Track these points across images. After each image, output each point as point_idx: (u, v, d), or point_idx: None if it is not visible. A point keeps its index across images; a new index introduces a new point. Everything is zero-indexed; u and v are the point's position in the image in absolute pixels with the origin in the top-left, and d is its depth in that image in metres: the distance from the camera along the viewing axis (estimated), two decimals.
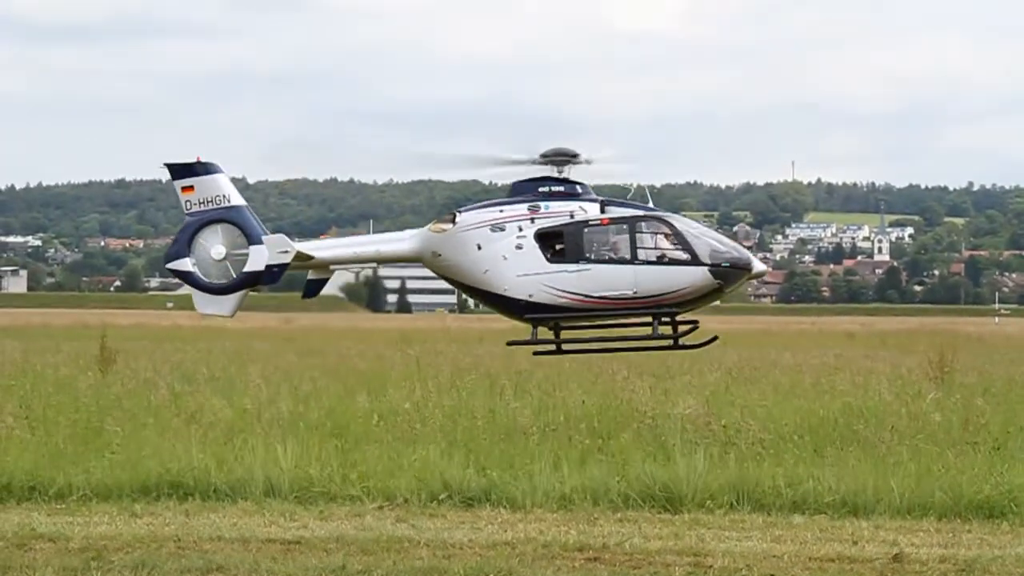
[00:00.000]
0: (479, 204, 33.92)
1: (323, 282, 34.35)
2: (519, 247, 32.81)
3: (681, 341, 32.83)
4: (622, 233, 32.76)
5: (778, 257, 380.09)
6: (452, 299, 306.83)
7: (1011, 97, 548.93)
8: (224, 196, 34.47)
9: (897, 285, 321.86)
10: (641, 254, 32.42)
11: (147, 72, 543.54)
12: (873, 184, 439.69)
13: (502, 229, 33.01)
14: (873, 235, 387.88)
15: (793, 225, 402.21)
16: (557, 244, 33.01)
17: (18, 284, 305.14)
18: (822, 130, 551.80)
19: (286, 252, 33.57)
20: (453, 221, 33.31)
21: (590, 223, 32.75)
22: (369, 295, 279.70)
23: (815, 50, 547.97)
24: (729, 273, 32.42)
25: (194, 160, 34.96)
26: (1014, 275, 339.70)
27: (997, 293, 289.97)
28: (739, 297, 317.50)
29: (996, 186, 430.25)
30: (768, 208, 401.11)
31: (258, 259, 33.71)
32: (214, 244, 33.93)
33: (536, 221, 32.86)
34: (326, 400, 38.20)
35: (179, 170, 34.90)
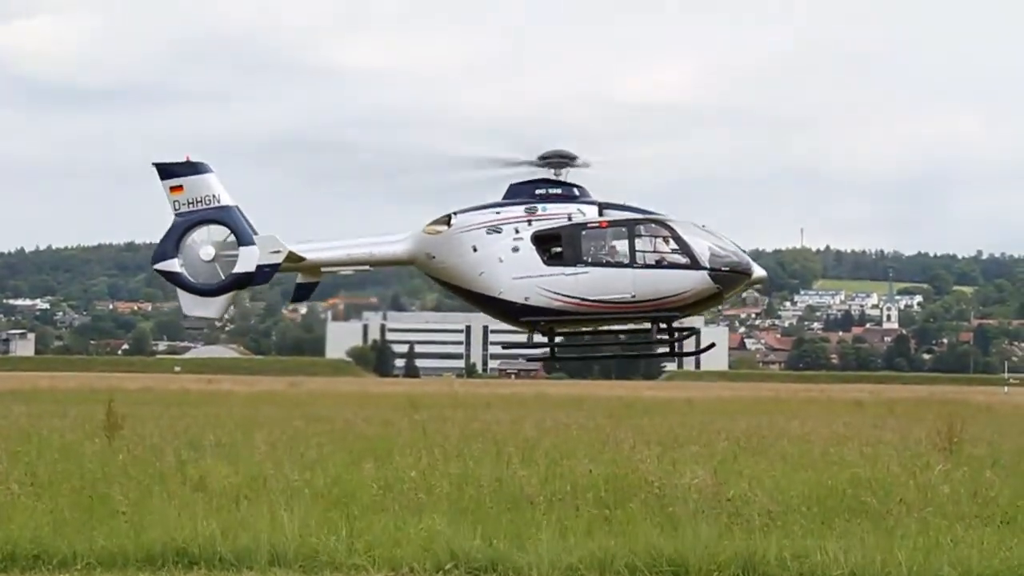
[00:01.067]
0: (475, 206, 33.00)
1: (313, 286, 33.55)
2: (516, 249, 32.23)
3: (677, 347, 32.59)
4: (620, 236, 32.19)
5: (787, 324, 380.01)
6: (460, 364, 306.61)
7: (1019, 166, 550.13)
8: (214, 196, 33.45)
9: (906, 353, 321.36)
10: (640, 257, 31.86)
11: (158, 136, 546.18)
12: (882, 252, 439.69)
13: (498, 231, 32.38)
14: (882, 303, 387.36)
15: (802, 292, 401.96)
16: (554, 247, 32.40)
17: (26, 347, 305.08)
18: (831, 197, 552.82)
19: (278, 252, 32.74)
20: (448, 223, 32.69)
21: (588, 226, 32.18)
22: (377, 359, 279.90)
23: (825, 117, 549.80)
24: (729, 277, 32.01)
25: (183, 159, 33.98)
26: (1023, 344, 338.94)
27: (1006, 362, 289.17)
28: (748, 363, 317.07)
29: (1005, 255, 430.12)
30: (777, 275, 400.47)
31: (249, 260, 32.87)
32: (203, 245, 33.15)
33: (533, 223, 32.34)
34: (332, 467, 38.06)
35: (168, 170, 33.86)
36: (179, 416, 64.44)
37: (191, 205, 33.71)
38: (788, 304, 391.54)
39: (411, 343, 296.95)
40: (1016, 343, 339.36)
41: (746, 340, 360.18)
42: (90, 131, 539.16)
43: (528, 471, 36.88)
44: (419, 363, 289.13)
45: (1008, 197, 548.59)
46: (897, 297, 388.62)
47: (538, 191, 32.86)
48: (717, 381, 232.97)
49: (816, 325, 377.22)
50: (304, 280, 33.47)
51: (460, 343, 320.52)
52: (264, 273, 33.11)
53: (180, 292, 33.46)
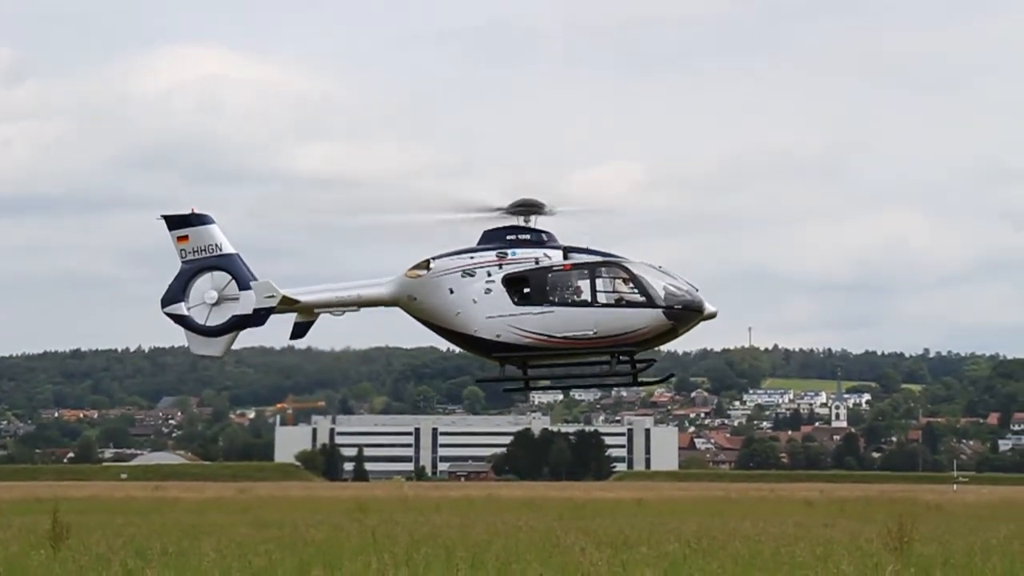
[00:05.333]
0: (451, 251, 36.03)
1: (309, 325, 36.66)
2: (488, 291, 35.26)
3: (639, 377, 35.37)
4: (583, 278, 35.14)
5: (736, 423, 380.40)
6: (410, 467, 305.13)
7: (965, 267, 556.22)
8: (216, 245, 36.91)
9: (855, 452, 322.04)
10: (601, 297, 34.82)
11: (103, 244, 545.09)
12: (830, 350, 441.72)
13: (472, 274, 35.46)
14: (831, 401, 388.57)
15: (751, 391, 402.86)
16: (523, 288, 35.40)
17: None
18: (779, 297, 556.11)
19: (272, 296, 36.19)
20: (427, 267, 35.72)
21: (554, 268, 35.18)
22: (325, 463, 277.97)
23: (772, 220, 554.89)
24: (682, 315, 34.78)
25: (189, 211, 37.38)
26: (971, 442, 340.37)
27: (955, 460, 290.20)
28: (698, 463, 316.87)
29: (952, 353, 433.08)
30: (725, 374, 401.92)
31: (247, 303, 36.35)
32: (207, 289, 36.70)
33: (504, 267, 35.48)
34: (281, 575, 37.65)
35: (175, 221, 37.39)
36: (125, 524, 63.69)
37: (196, 253, 37.04)
38: (737, 403, 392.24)
39: (360, 446, 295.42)
40: (964, 441, 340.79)
41: (696, 440, 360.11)
42: (34, 239, 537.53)
43: None
44: (368, 466, 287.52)
45: (954, 296, 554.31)
46: (846, 395, 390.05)
47: (509, 237, 35.78)
48: (667, 481, 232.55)
49: (765, 424, 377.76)
50: (301, 320, 36.46)
51: (410, 446, 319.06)
52: (260, 316, 36.29)
53: (187, 333, 36.61)
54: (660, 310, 34.59)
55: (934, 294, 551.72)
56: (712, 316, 35.90)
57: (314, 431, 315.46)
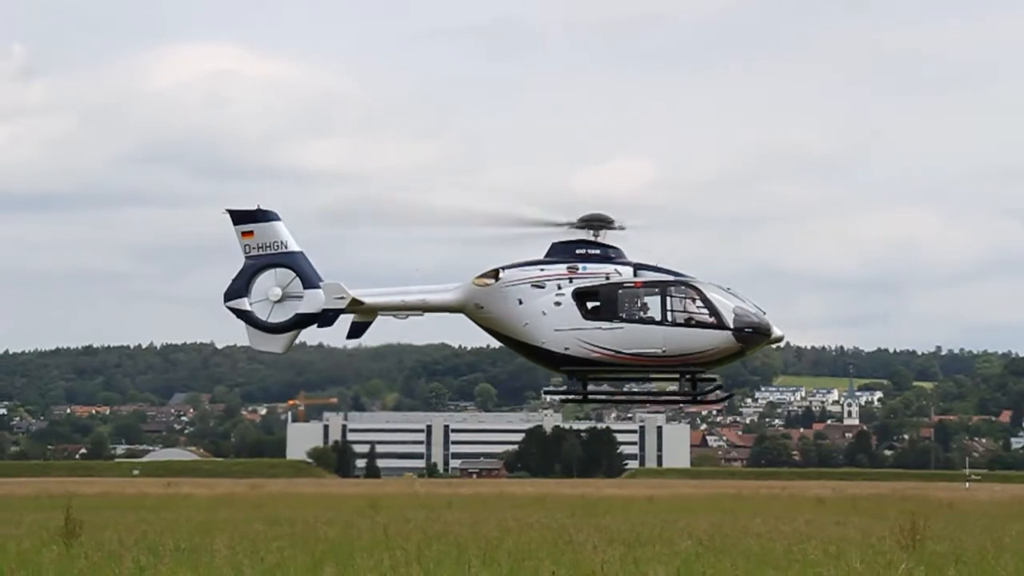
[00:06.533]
0: (521, 262, 36.39)
1: (367, 325, 37.07)
2: (558, 303, 35.70)
3: (700, 398, 36.24)
4: (653, 296, 35.61)
5: (748, 421, 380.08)
6: (421, 463, 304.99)
7: (977, 264, 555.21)
8: (282, 242, 37.07)
9: (867, 449, 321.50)
10: (670, 316, 35.23)
11: (114, 240, 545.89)
12: (842, 348, 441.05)
13: (542, 287, 35.83)
14: (843, 399, 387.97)
15: (763, 388, 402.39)
16: (594, 303, 35.77)
17: None
18: (791, 294, 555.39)
19: (342, 298, 36.48)
20: (496, 277, 36.17)
21: (624, 285, 35.57)
22: (338, 460, 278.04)
23: (786, 216, 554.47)
24: (751, 338, 35.32)
25: (255, 207, 37.38)
26: (983, 440, 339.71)
27: (967, 458, 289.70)
28: (710, 460, 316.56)
29: (964, 350, 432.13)
30: (737, 371, 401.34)
31: (314, 302, 36.62)
32: (270, 286, 36.89)
33: (574, 280, 35.88)
34: (293, 571, 37.67)
35: (240, 216, 37.50)
36: (137, 521, 63.77)
37: (260, 249, 37.17)
38: (749, 401, 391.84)
39: (372, 443, 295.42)
40: (976, 439, 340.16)
41: (708, 437, 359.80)
42: (48, 236, 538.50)
43: (489, 573, 36.61)
44: (380, 463, 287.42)
45: (966, 294, 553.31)
46: (857, 393, 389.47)
47: (578, 251, 36.09)
48: (679, 478, 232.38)
49: (777, 422, 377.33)
50: (360, 320, 36.75)
51: (421, 443, 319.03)
52: (328, 316, 36.51)
53: (248, 328, 36.83)
54: (729, 332, 35.07)
55: (946, 291, 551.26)
56: (779, 340, 36.79)
57: (326, 428, 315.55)
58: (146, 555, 41.34)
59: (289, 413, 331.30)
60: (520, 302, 35.59)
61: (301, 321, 36.76)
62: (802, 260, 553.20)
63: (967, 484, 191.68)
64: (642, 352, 34.86)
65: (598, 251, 36.15)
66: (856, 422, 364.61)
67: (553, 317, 35.42)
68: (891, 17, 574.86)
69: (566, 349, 35.14)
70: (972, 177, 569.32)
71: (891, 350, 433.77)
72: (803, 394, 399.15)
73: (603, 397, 39.07)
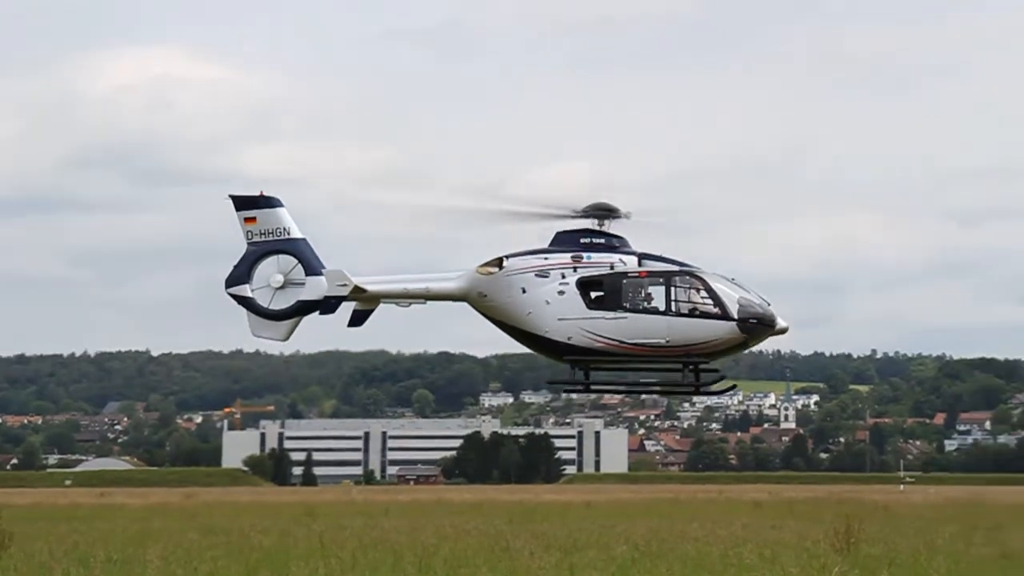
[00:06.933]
0: (525, 251, 36.25)
1: (369, 313, 36.79)
2: (561, 293, 35.60)
3: (703, 388, 35.92)
4: (658, 286, 35.60)
5: (685, 425, 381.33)
6: (359, 470, 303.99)
7: (913, 268, 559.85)
8: (285, 229, 36.79)
9: (803, 452, 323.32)
10: (674, 306, 35.23)
11: (49, 246, 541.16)
12: (779, 352, 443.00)
13: (546, 275, 35.76)
14: (779, 403, 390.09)
15: None
16: (598, 292, 35.70)
17: None
18: None
19: (344, 285, 36.26)
20: (500, 265, 36.01)
21: (629, 275, 35.55)
22: (274, 468, 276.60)
23: (719, 219, 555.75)
24: (755, 329, 35.39)
25: (258, 193, 37.25)
26: (918, 442, 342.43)
27: (902, 461, 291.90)
28: (647, 465, 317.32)
29: (899, 354, 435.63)
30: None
31: (316, 289, 36.33)
32: (272, 273, 36.67)
33: (578, 270, 35.78)
34: None
35: (243, 202, 37.26)
36: (69, 531, 63.08)
37: (263, 236, 36.85)
38: (687, 406, 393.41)
39: (309, 451, 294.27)
40: (911, 441, 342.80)
41: (645, 442, 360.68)
42: None
43: None
44: (317, 471, 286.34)
45: (902, 297, 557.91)
46: (794, 397, 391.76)
47: (583, 240, 35.95)
48: (617, 483, 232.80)
49: (715, 426, 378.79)
50: (361, 308, 36.45)
51: (359, 450, 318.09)
52: (330, 304, 36.21)
53: (249, 315, 36.53)
54: (734, 323, 35.04)
55: (881, 295, 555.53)
56: (783, 331, 36.85)
57: (263, 436, 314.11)
58: (77, 567, 40.87)
59: (225, 421, 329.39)
60: (524, 291, 35.57)
61: (303, 308, 36.54)
62: (737, 264, 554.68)
63: (901, 487, 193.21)
64: (645, 342, 34.88)
65: (603, 240, 36.07)
66: (793, 425, 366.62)
67: (556, 306, 35.38)
68: (834, 18, 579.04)
69: (569, 338, 35.13)
70: (911, 180, 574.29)
71: (827, 353, 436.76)
72: (740, 398, 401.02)
73: (605, 387, 39.11)
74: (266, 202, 37.24)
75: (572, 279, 35.67)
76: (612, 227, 36.92)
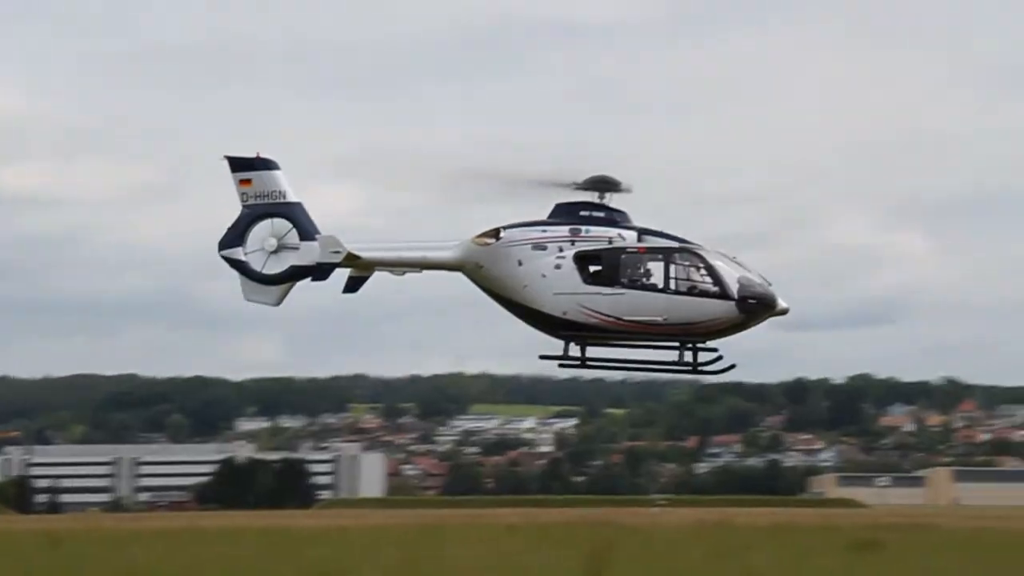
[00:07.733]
0: (523, 222, 36.03)
1: (364, 280, 36.53)
2: (558, 267, 35.55)
3: (701, 369, 35.63)
4: (657, 262, 35.28)
5: (443, 449, 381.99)
6: (108, 497, 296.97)
7: None
8: (280, 192, 36.23)
9: (560, 476, 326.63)
10: (673, 284, 34.97)
11: None
12: (537, 376, 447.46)
13: (543, 248, 35.50)
14: (537, 426, 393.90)
15: (458, 416, 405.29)
16: (595, 267, 35.64)
17: None
18: (492, 322, 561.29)
19: (337, 252, 36.04)
20: (497, 236, 35.96)
21: (627, 250, 35.32)
22: (17, 496, 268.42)
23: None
24: (754, 309, 35.12)
25: (254, 155, 36.27)
26: (671, 465, 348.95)
27: (654, 483, 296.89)
28: (405, 489, 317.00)
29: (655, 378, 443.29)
30: (433, 400, 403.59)
31: (309, 255, 36.12)
32: (266, 236, 36.21)
33: (576, 243, 35.62)
34: None
35: (239, 163, 36.82)
36: None
37: (258, 198, 36.51)
38: (442, 429, 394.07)
39: (56, 477, 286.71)
40: (664, 464, 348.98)
41: (403, 466, 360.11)
42: None
43: None
44: (66, 498, 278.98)
45: None
46: (552, 421, 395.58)
47: (583, 213, 35.74)
48: (373, 508, 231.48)
49: (473, 449, 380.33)
50: (356, 274, 36.49)
51: (109, 476, 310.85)
52: (323, 270, 36.22)
53: (241, 278, 36.31)
54: (733, 302, 34.65)
55: None
56: (784, 312, 35.92)
57: (6, 462, 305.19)
58: None
59: None
60: (520, 263, 35.16)
61: (296, 273, 36.41)
62: None
63: (654, 509, 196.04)
64: (642, 319, 34.38)
65: (602, 214, 35.56)
66: (550, 449, 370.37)
67: (553, 280, 35.00)
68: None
69: (565, 313, 34.90)
70: (680, 196, 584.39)
71: (584, 377, 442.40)
72: (499, 422, 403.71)
73: (601, 364, 37.69)
74: (263, 164, 36.71)
75: (569, 253, 35.36)
76: (613, 200, 35.98)
